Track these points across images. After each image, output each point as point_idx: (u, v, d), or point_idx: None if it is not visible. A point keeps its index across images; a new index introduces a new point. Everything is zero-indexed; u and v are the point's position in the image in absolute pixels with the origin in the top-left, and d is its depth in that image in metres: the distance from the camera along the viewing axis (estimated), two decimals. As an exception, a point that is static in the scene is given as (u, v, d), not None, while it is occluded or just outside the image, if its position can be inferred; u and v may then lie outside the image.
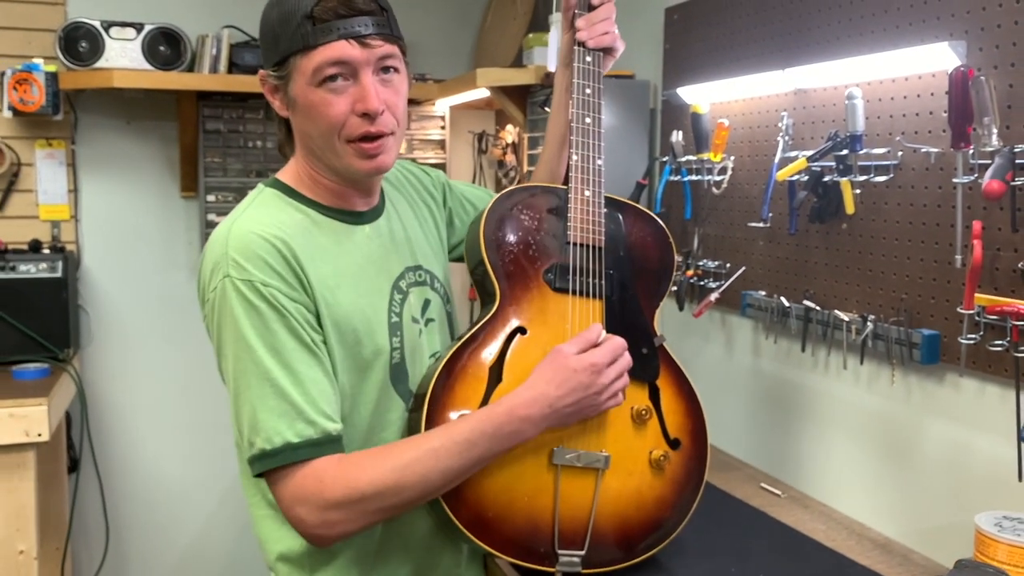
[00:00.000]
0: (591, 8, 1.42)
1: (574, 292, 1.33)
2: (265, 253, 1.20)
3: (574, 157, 1.35)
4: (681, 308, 2.15)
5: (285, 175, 1.34)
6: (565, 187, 1.36)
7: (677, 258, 2.17)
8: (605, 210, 1.36)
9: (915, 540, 1.57)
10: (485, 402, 1.27)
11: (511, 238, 1.33)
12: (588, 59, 1.35)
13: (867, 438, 1.69)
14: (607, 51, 1.43)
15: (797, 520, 1.67)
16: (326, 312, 1.24)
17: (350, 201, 1.33)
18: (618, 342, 1.27)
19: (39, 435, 2.36)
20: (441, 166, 3.27)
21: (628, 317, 1.35)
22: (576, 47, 1.40)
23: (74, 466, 3.06)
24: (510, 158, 3.04)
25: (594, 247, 1.34)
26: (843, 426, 1.75)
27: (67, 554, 2.96)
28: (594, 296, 1.34)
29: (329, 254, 1.27)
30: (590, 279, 1.34)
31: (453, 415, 1.25)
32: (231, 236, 1.22)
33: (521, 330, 1.31)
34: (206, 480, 3.26)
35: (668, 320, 2.36)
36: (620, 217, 1.39)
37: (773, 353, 1.94)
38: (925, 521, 1.56)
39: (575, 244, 1.33)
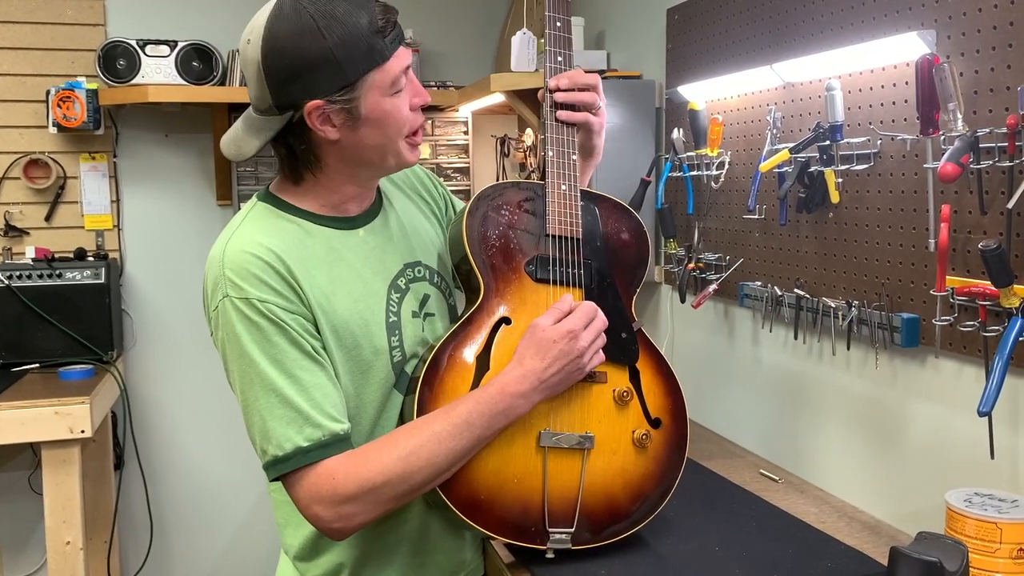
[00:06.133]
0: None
1: (554, 282, 1.39)
2: (259, 271, 1.23)
3: (550, 153, 1.40)
4: (683, 300, 2.19)
5: (277, 187, 1.36)
6: (542, 183, 1.41)
7: (679, 251, 2.23)
8: (582, 203, 1.42)
9: (904, 522, 1.59)
10: (474, 389, 1.32)
11: (492, 233, 1.38)
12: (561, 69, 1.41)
13: (857, 423, 1.72)
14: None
15: (791, 504, 1.70)
16: (323, 319, 1.28)
17: (343, 208, 1.37)
18: (589, 306, 1.33)
19: (82, 432, 2.50)
20: (465, 170, 3.36)
21: (607, 304, 1.39)
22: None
23: (120, 463, 3.21)
24: (531, 161, 3.11)
25: (572, 238, 1.40)
26: (835, 412, 1.78)
27: (113, 547, 3.10)
28: (573, 285, 1.39)
29: (323, 262, 1.30)
30: (569, 269, 1.39)
31: (443, 402, 1.30)
32: (226, 256, 1.25)
33: (506, 320, 1.36)
34: (244, 479, 3.37)
35: (672, 312, 2.40)
36: (596, 209, 1.44)
37: (770, 342, 1.98)
38: (913, 503, 1.58)
39: (554, 236, 1.39)
